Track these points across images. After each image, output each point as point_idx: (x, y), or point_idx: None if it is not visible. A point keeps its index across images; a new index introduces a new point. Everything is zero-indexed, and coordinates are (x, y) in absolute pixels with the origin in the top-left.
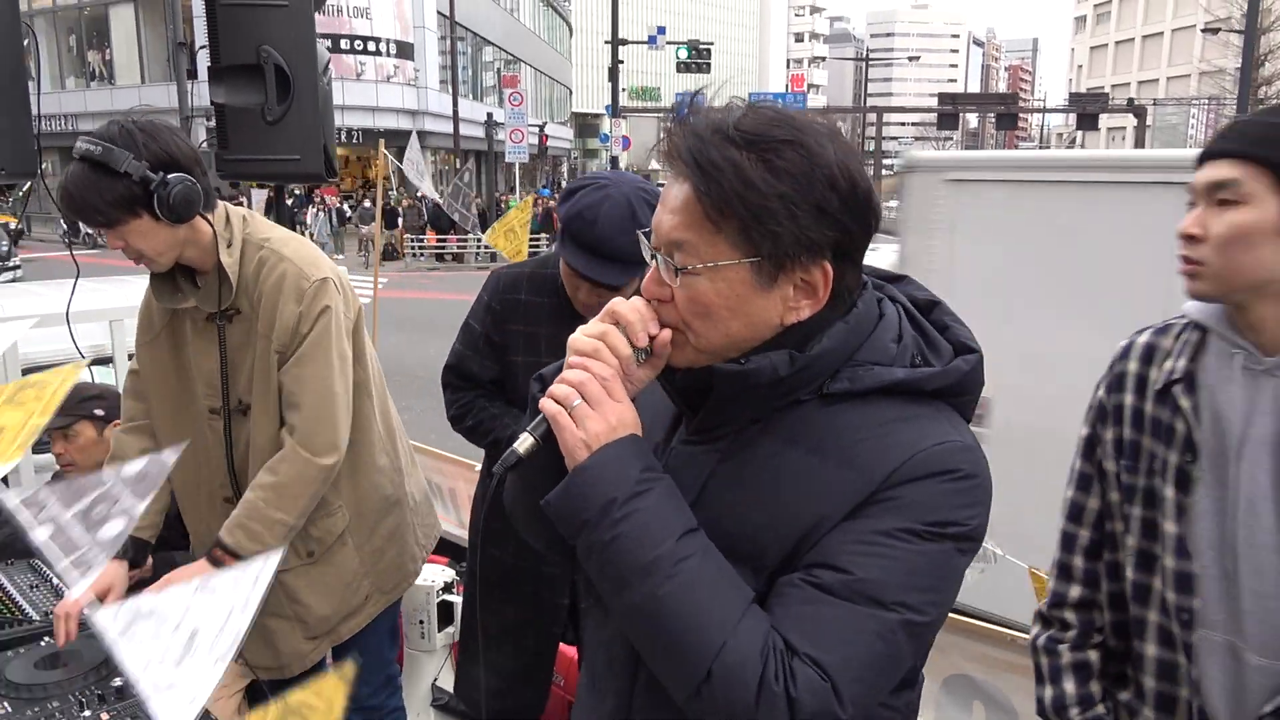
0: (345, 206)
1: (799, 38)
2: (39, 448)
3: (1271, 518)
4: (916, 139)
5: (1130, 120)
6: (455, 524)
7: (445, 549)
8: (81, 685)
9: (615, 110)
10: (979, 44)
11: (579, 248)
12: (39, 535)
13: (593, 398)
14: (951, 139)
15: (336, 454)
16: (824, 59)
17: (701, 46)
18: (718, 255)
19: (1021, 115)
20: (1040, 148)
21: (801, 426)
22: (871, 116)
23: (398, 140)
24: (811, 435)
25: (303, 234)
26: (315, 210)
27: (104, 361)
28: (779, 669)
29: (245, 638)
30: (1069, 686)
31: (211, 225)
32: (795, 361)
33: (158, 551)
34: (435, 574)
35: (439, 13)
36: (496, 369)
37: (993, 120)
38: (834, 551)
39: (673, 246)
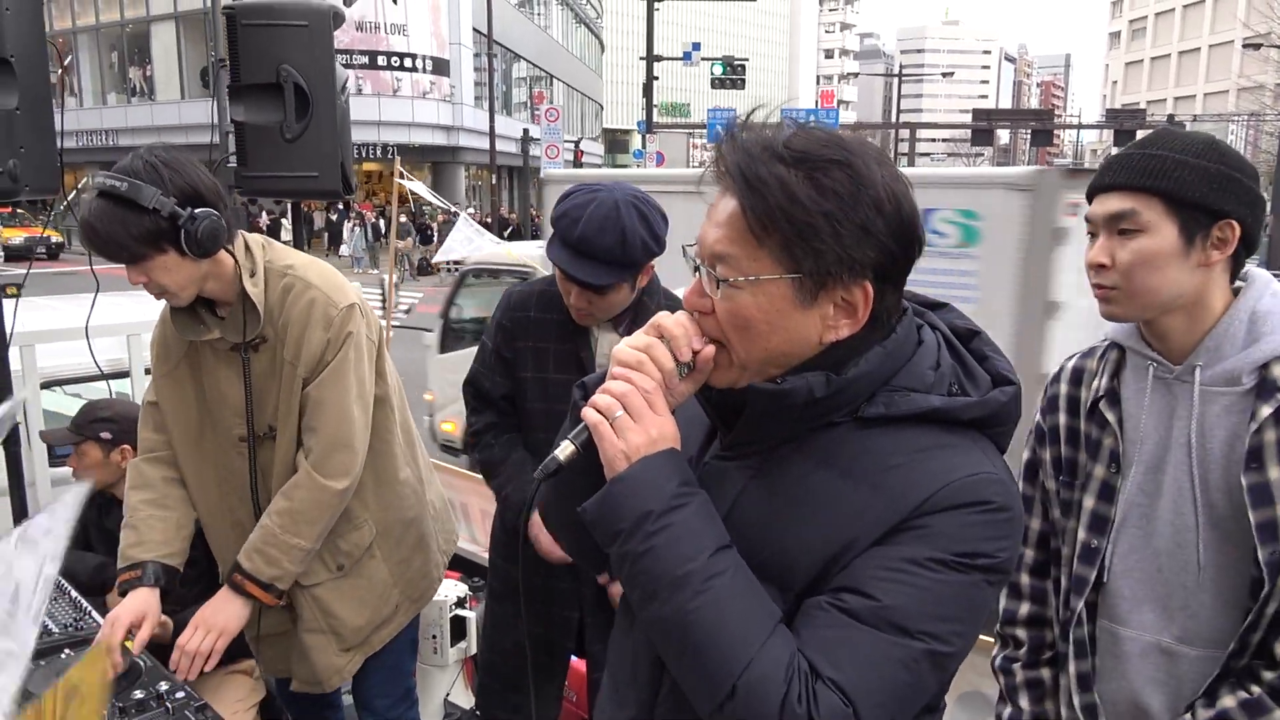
0: (380, 221)
1: (829, 54)
2: (56, 460)
3: (1193, 516)
4: (950, 155)
5: None
6: (468, 539)
7: (458, 564)
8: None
9: (649, 126)
10: (1010, 60)
11: (563, 247)
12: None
13: (635, 410)
14: (983, 155)
15: (350, 478)
16: (856, 75)
17: (736, 63)
18: (760, 269)
19: (1055, 131)
20: (1075, 164)
21: (835, 448)
22: (904, 133)
23: (433, 156)
24: (844, 458)
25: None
26: (352, 225)
27: (120, 375)
28: (802, 691)
29: (51, 582)
30: (1024, 704)
31: (234, 256)
32: (831, 383)
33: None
34: (448, 589)
35: (474, 29)
36: (508, 385)
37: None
38: (862, 577)
39: (716, 259)
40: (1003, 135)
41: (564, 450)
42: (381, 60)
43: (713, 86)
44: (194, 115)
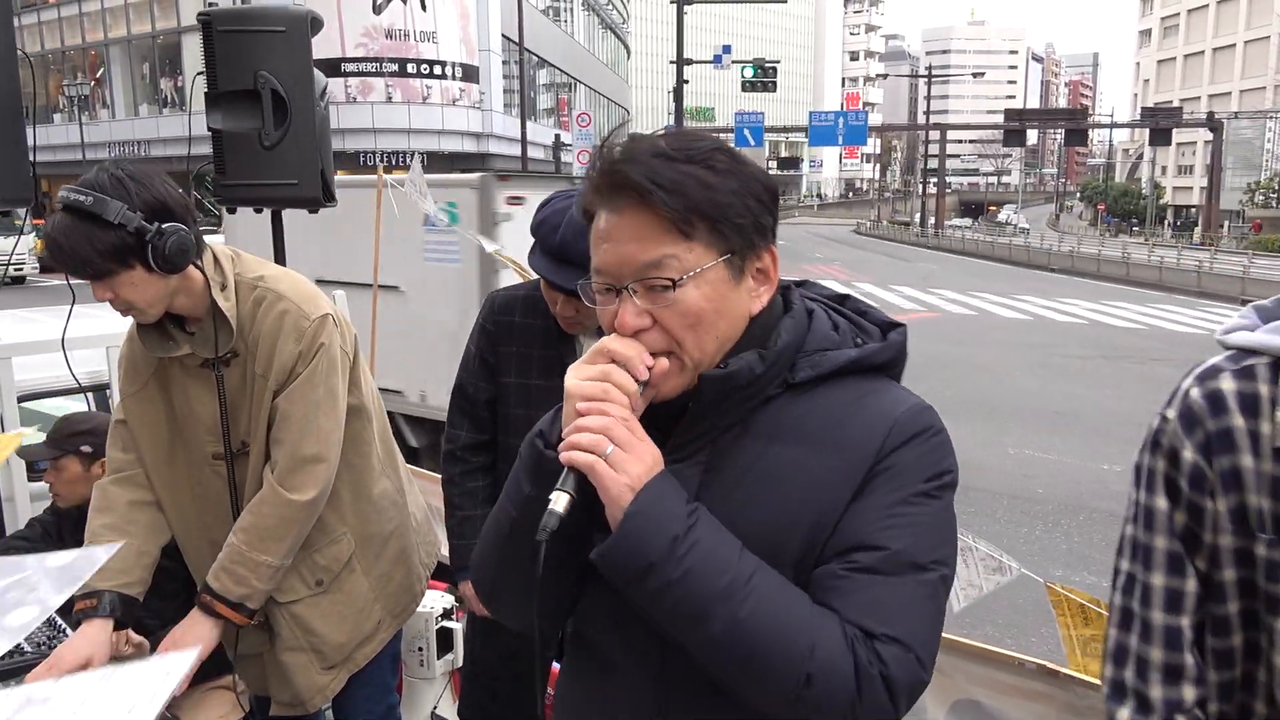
0: None
1: (854, 56)
2: (34, 475)
3: None
4: (980, 156)
5: (1200, 135)
6: None
7: (444, 573)
8: None
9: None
10: (1038, 60)
11: (544, 254)
12: None
13: (623, 441)
14: (1010, 155)
15: (315, 490)
16: (883, 76)
17: (767, 65)
18: (698, 260)
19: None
20: (1107, 163)
21: (776, 421)
22: (935, 134)
23: (463, 163)
24: (789, 427)
25: None
26: None
27: (100, 388)
28: (868, 655)
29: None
30: None
31: (202, 270)
32: (765, 358)
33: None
34: (434, 600)
35: (503, 35)
36: (490, 389)
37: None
38: (864, 532)
39: (649, 269)
40: (1030, 135)
41: (559, 502)
42: (411, 68)
43: (743, 89)
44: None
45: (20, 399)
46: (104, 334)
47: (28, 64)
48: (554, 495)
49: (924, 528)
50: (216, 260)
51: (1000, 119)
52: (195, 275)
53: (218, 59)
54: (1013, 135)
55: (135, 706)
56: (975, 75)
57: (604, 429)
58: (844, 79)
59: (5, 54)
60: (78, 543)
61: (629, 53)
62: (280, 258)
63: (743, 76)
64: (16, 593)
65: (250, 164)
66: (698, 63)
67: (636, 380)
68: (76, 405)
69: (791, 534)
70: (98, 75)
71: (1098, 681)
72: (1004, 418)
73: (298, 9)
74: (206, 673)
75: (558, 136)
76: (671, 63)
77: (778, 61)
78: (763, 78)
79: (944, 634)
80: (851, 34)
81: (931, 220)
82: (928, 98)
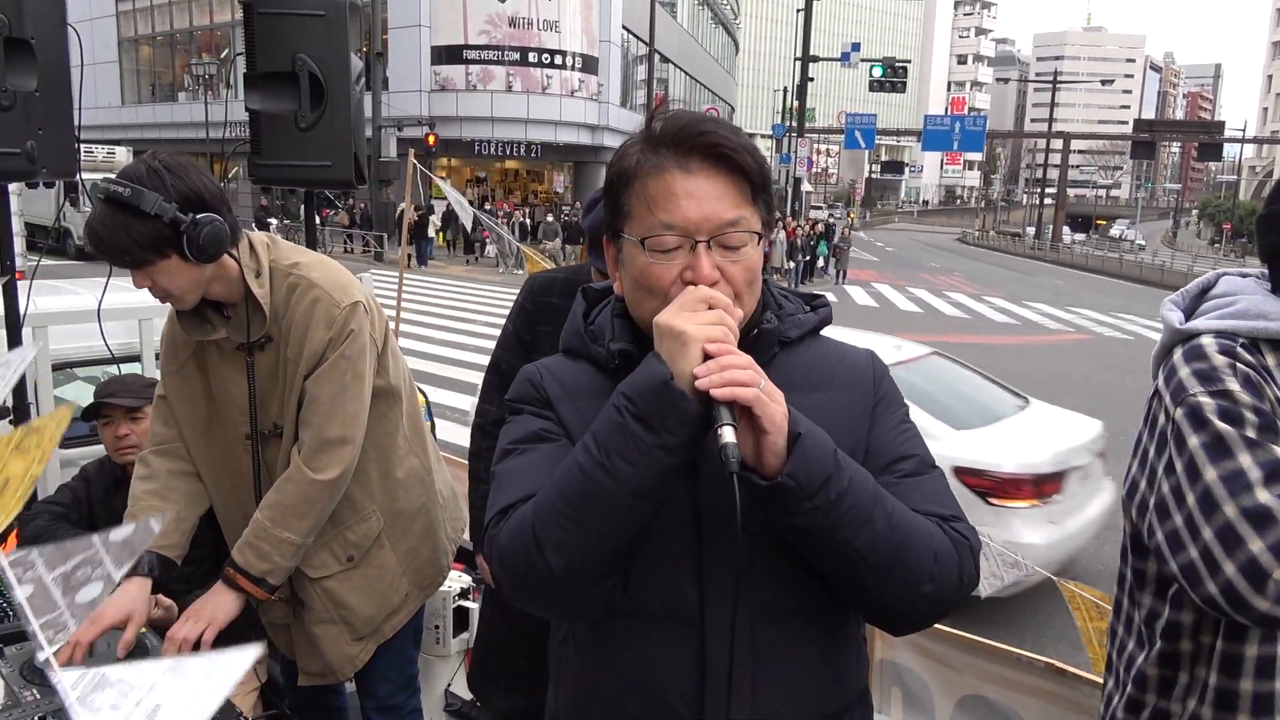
0: (528, 221)
1: (961, 60)
2: (64, 443)
3: None
4: (1100, 168)
5: None
6: None
7: (462, 555)
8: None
9: (802, 130)
10: (1156, 69)
11: (596, 253)
12: (19, 594)
13: (760, 372)
14: (1121, 169)
15: (338, 470)
16: (1005, 80)
17: (897, 65)
18: (758, 223)
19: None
20: (1233, 180)
21: (784, 373)
22: (1057, 143)
23: (576, 155)
24: (798, 378)
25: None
26: (500, 224)
27: (132, 359)
28: (955, 534)
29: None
30: None
31: (237, 259)
32: (780, 317)
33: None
34: (452, 579)
35: (623, 27)
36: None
37: (1173, 151)
38: (893, 449)
39: (728, 226)
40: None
41: (729, 434)
42: (532, 57)
43: (870, 89)
44: None
45: (55, 367)
46: (137, 306)
47: (152, 43)
48: (723, 430)
49: (917, 434)
50: (252, 248)
51: (1115, 129)
52: (230, 263)
53: (257, 41)
54: (1140, 147)
55: (201, 695)
56: (1104, 83)
57: (751, 364)
58: (950, 83)
59: (55, 24)
60: (107, 509)
61: (737, 49)
62: (311, 238)
63: (870, 76)
64: (85, 569)
65: (286, 145)
66: (825, 59)
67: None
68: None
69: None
70: (222, 55)
71: (1100, 680)
72: None
73: None
74: (227, 642)
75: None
76: (798, 60)
77: (908, 61)
78: (892, 77)
79: (954, 630)
80: (961, 37)
81: (1048, 233)
82: (1051, 105)
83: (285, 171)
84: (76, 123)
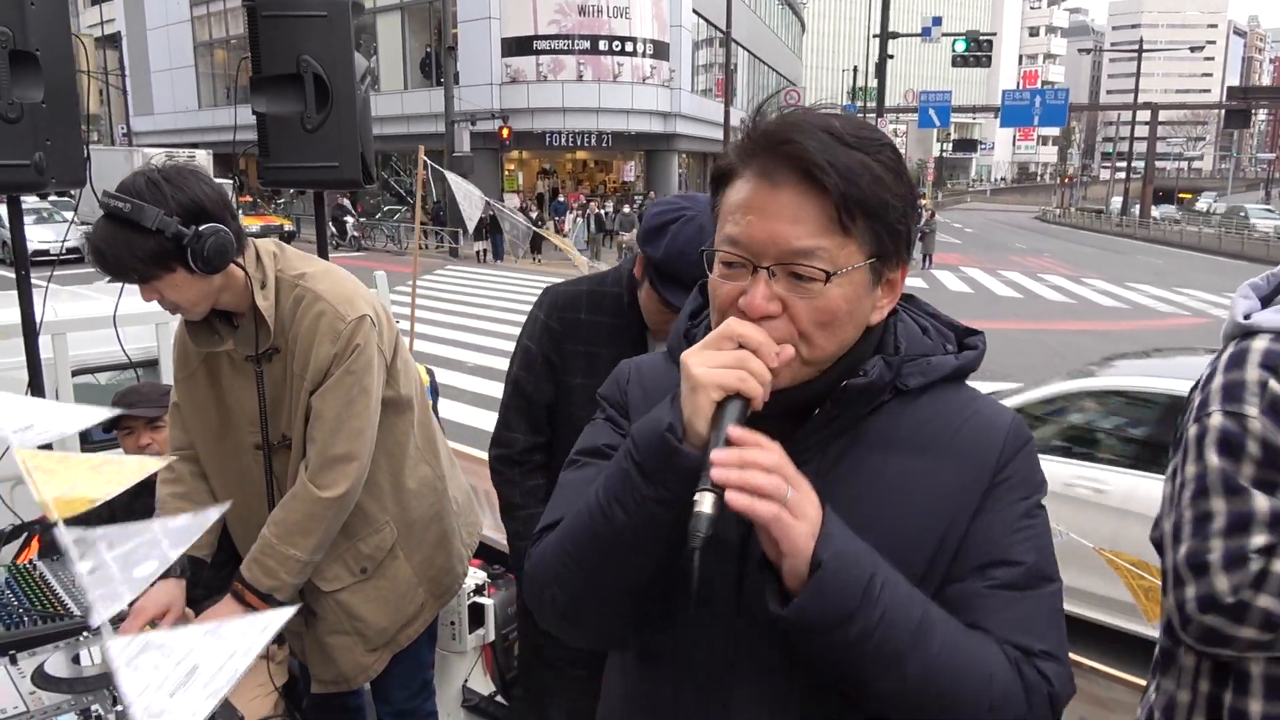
0: (603, 213)
1: (1033, 32)
2: (86, 447)
3: None
4: (1190, 139)
5: None
6: (491, 526)
7: (479, 551)
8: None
9: (881, 109)
10: (1240, 34)
11: (684, 288)
12: (82, 568)
13: (791, 476)
14: (1204, 139)
15: (345, 486)
16: (1088, 51)
17: (982, 38)
18: (849, 259)
19: None
20: None
21: (889, 429)
22: (1141, 115)
23: (647, 144)
24: (904, 437)
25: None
26: (574, 216)
27: (150, 364)
28: (1033, 674)
29: (241, 676)
30: None
31: (244, 268)
32: (890, 365)
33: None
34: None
35: (694, 11)
36: (551, 391)
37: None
38: (996, 548)
39: (799, 255)
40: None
41: (705, 503)
42: (603, 44)
43: (953, 65)
44: (415, 105)
45: (74, 373)
46: (153, 311)
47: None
48: (699, 496)
49: (1043, 538)
50: (259, 257)
51: (1196, 98)
52: (238, 272)
53: (261, 43)
54: (1234, 115)
55: (235, 653)
56: (1194, 49)
57: (779, 467)
58: (1021, 56)
59: (60, 35)
60: (128, 514)
61: (804, 28)
62: (322, 240)
63: (953, 50)
64: (143, 549)
65: (293, 146)
66: (905, 36)
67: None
68: (128, 380)
69: (921, 547)
70: None
71: (1121, 674)
72: None
73: None
74: None
75: (742, 119)
76: (875, 36)
77: (993, 34)
78: (976, 52)
79: None
80: (1032, 8)
81: (1135, 209)
82: (1136, 75)
83: (293, 173)
84: (84, 130)
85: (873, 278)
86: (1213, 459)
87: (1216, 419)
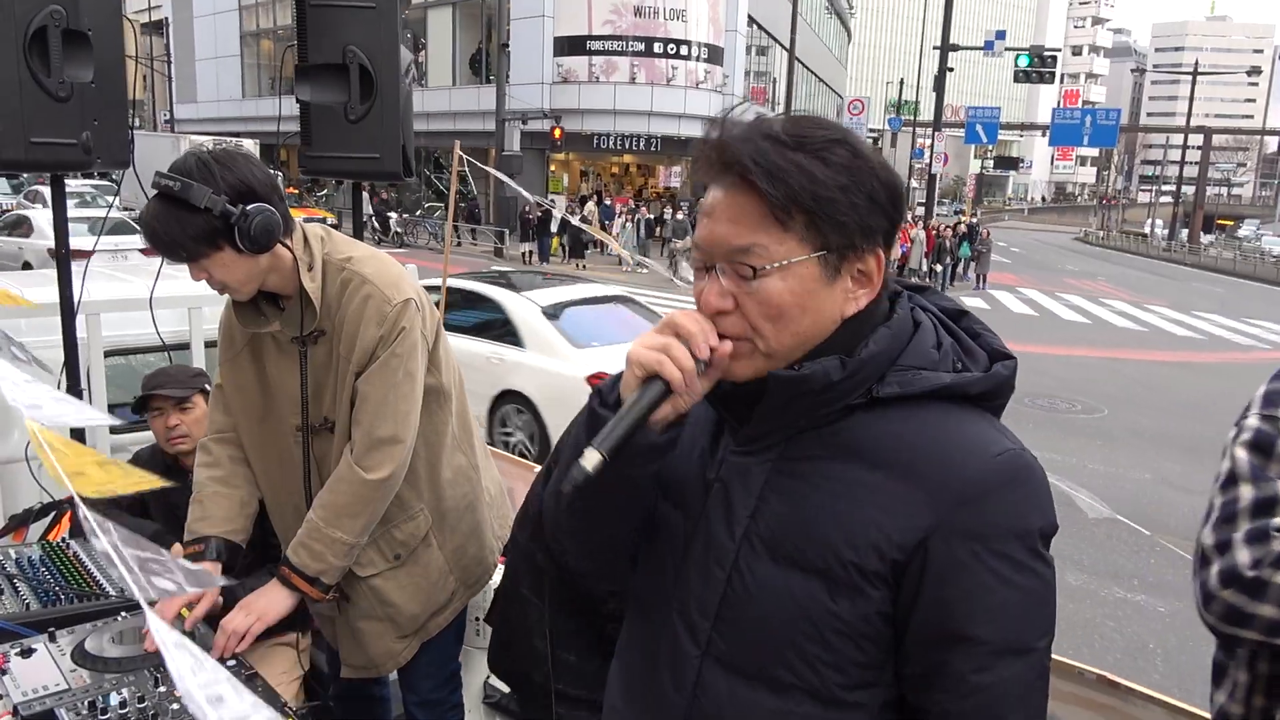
0: (652, 217)
1: (1076, 51)
2: (116, 430)
3: None
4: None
5: None
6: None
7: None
8: (156, 660)
9: (938, 123)
10: None
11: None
12: (101, 544)
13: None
14: (1245, 165)
15: (389, 470)
16: (1138, 71)
17: (1046, 55)
18: (789, 253)
19: None
20: None
21: (855, 436)
22: (1194, 138)
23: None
24: (867, 446)
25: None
26: (623, 220)
27: (181, 347)
28: None
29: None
30: None
31: (291, 250)
32: (847, 365)
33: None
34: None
35: (749, 16)
36: None
37: None
38: (952, 617)
39: (737, 253)
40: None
41: (590, 460)
42: (658, 47)
43: (1015, 80)
44: (463, 102)
45: (106, 354)
46: (187, 295)
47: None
48: (587, 450)
49: (1020, 603)
50: (306, 240)
51: (1239, 123)
52: (286, 254)
53: (309, 32)
54: None
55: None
56: (1249, 73)
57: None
58: (1063, 75)
59: (111, 15)
60: (158, 496)
61: (850, 38)
62: (358, 229)
63: (1016, 65)
64: (154, 565)
65: (335, 136)
66: (965, 49)
67: (695, 358)
68: (160, 362)
69: (851, 553)
70: None
71: (1156, 695)
72: None
73: None
74: (272, 629)
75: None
76: (936, 48)
77: (1057, 50)
78: (1039, 68)
79: None
80: (1076, 27)
81: (1184, 233)
82: (1190, 98)
83: (334, 163)
84: (129, 115)
85: (826, 271)
86: (1242, 454)
87: (1253, 420)
